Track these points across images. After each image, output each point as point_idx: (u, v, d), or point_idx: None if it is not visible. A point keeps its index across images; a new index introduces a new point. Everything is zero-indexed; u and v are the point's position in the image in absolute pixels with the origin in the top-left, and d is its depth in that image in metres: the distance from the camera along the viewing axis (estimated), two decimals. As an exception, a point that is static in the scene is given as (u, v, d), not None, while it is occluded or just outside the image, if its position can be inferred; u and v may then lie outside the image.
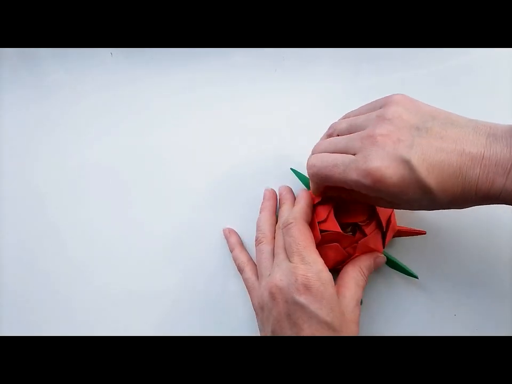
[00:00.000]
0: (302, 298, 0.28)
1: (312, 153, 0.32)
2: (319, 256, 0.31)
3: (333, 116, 0.40)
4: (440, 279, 0.37)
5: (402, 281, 0.36)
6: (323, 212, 0.33)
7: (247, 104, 0.42)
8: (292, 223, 0.32)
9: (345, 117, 0.33)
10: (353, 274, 0.32)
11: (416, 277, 0.36)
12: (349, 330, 0.29)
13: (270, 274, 0.31)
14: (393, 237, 0.35)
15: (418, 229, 0.36)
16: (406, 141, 0.26)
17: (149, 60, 0.43)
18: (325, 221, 0.33)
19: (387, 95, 0.29)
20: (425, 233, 0.36)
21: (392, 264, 0.36)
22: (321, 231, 0.33)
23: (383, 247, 0.35)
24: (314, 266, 0.30)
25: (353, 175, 0.27)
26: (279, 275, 0.30)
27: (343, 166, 0.28)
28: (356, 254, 0.34)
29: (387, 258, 0.35)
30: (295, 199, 0.36)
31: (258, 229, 0.36)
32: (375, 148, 0.26)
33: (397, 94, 0.29)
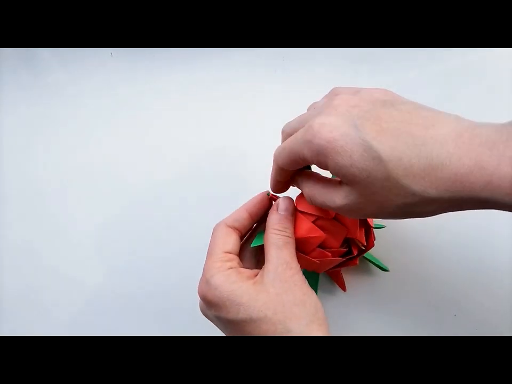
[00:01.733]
0: (212, 313, 0.27)
1: None
2: (218, 258, 0.28)
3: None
4: (439, 279, 0.37)
5: (402, 281, 0.36)
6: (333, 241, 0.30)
7: (247, 104, 0.42)
8: (214, 229, 0.30)
9: None
10: (267, 241, 0.28)
11: (387, 270, 0.35)
12: (280, 299, 0.26)
13: None
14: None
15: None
16: (364, 107, 0.23)
17: (149, 60, 0.43)
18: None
19: None
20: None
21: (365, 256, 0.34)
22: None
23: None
24: (203, 277, 0.28)
25: (298, 137, 0.25)
26: None
27: (292, 133, 0.26)
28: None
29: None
30: (251, 203, 0.32)
31: None
32: (328, 109, 0.24)
33: None
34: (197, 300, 0.29)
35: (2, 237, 0.40)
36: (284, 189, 0.31)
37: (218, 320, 0.27)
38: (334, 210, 0.26)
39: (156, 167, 0.41)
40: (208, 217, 0.39)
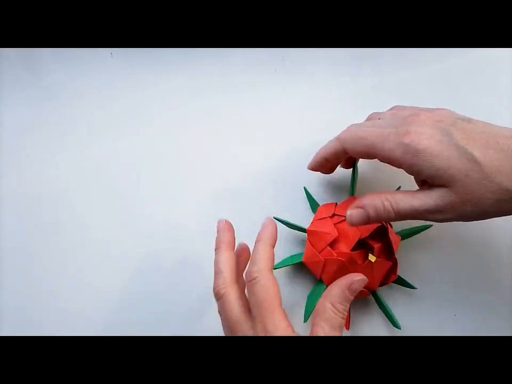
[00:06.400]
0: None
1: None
2: (282, 316, 0.27)
3: (333, 115, 0.40)
4: (440, 279, 0.37)
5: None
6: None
7: (247, 104, 0.42)
8: (256, 277, 0.27)
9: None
10: (326, 315, 0.27)
11: (399, 327, 0.35)
12: None
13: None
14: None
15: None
16: (448, 121, 0.27)
17: (149, 60, 0.43)
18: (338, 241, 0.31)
19: None
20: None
21: (379, 304, 0.35)
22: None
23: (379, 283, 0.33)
24: (275, 334, 0.26)
25: (390, 138, 0.27)
26: None
27: (380, 129, 0.28)
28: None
29: (377, 296, 0.34)
30: (272, 237, 0.30)
31: (217, 274, 0.29)
32: (417, 121, 0.27)
33: None
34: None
35: (2, 237, 0.40)
36: (328, 170, 0.33)
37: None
38: (420, 215, 0.28)
39: (154, 167, 0.41)
40: (203, 219, 0.39)
